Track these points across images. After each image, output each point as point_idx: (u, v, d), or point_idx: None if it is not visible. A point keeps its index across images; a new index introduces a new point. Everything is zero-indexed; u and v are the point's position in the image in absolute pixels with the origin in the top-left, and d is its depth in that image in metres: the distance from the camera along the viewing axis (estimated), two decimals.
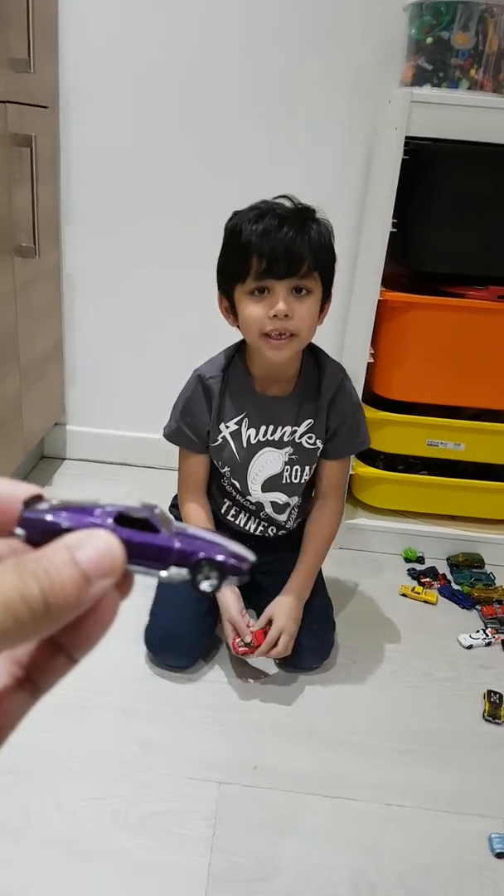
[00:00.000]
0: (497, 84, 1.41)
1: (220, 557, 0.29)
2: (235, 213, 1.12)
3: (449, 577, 1.61)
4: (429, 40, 1.39)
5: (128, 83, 1.65)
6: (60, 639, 0.26)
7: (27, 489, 0.28)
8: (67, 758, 1.07)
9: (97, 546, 0.25)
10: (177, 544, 0.28)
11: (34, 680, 0.27)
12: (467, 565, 1.64)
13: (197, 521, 1.26)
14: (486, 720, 1.21)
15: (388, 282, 1.51)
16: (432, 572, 1.61)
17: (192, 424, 1.24)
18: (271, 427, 1.21)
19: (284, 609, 1.20)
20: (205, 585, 0.28)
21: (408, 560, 1.66)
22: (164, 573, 0.28)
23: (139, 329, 1.87)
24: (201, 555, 0.28)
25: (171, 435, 1.28)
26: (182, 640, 1.24)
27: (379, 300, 1.50)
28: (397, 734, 1.17)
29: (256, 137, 1.67)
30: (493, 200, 1.43)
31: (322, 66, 1.62)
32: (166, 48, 1.62)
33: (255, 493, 1.25)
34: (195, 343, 1.86)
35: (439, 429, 1.62)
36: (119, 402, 1.96)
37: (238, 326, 1.14)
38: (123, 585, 0.27)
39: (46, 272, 1.70)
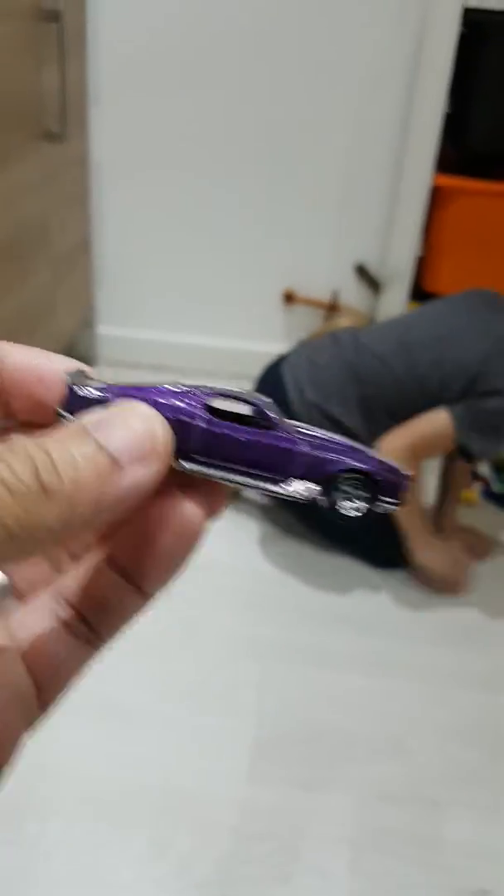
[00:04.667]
0: None
1: (369, 467, 0.20)
2: None
3: (490, 479, 1.61)
4: None
5: None
6: (125, 564, 0.20)
7: (65, 361, 0.22)
8: (117, 643, 1.12)
9: (131, 423, 0.18)
10: (303, 447, 0.20)
11: (91, 623, 0.21)
12: None
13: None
14: None
15: (438, 167, 1.44)
16: (474, 475, 1.60)
17: None
18: None
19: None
20: (348, 507, 0.20)
21: None
22: (284, 488, 0.20)
23: (172, 223, 1.81)
24: (344, 463, 0.20)
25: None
26: None
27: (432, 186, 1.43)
28: (433, 622, 1.21)
29: (296, 7, 1.55)
30: None
31: None
32: None
33: None
34: (230, 238, 1.81)
35: None
36: (152, 302, 1.93)
37: None
38: (213, 501, 0.20)
39: (74, 159, 1.64)
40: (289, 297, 1.83)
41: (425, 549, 1.24)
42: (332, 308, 1.90)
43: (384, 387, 1.18)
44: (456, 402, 1.15)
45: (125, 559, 0.20)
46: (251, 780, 0.94)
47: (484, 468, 1.64)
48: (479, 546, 1.37)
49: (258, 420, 0.20)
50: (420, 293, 1.57)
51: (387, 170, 1.66)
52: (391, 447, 1.17)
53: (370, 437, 1.18)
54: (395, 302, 1.55)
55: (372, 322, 1.90)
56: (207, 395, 0.20)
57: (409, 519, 1.24)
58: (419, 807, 0.92)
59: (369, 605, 1.23)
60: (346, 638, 1.16)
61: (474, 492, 1.54)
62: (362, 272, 1.77)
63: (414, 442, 1.16)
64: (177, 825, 0.88)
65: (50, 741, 0.94)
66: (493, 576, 1.31)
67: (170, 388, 0.20)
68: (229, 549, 1.32)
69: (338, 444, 0.21)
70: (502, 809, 0.92)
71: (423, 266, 1.52)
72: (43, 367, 0.21)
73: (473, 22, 1.30)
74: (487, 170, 1.43)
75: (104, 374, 0.20)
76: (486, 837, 0.89)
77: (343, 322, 1.94)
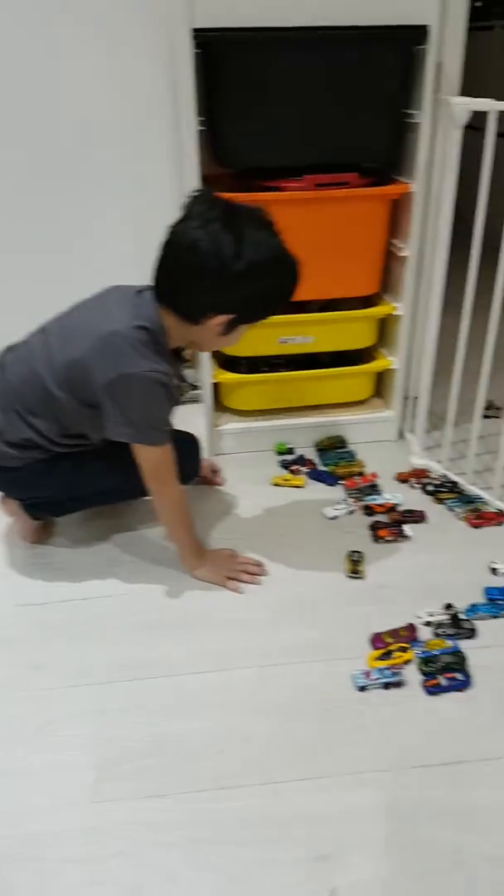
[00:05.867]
0: None
1: None
2: (296, 266, 1.18)
3: (316, 461, 1.69)
4: None
5: None
6: None
7: None
8: None
9: None
10: None
11: None
12: (332, 447, 1.73)
13: (186, 508, 1.30)
14: (349, 577, 1.31)
15: (215, 183, 1.51)
16: (301, 460, 1.69)
17: (165, 420, 1.22)
18: None
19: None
20: None
21: (280, 453, 1.73)
22: None
23: None
24: None
25: (162, 438, 1.21)
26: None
27: None
28: (271, 604, 1.26)
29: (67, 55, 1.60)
30: (293, 86, 1.41)
31: None
32: None
33: None
34: (47, 285, 1.82)
35: (286, 325, 1.66)
36: None
37: (212, 335, 1.18)
38: None
39: None
40: None
41: (195, 568, 1.32)
42: None
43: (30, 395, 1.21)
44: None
45: None
46: (96, 805, 0.95)
47: (310, 451, 1.73)
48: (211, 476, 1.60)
49: None
50: None
51: (169, 194, 1.74)
52: (154, 494, 1.25)
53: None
54: None
55: None
56: None
57: (176, 536, 1.32)
58: (259, 789, 0.96)
59: (196, 601, 1.27)
60: (185, 641, 1.19)
61: (302, 477, 1.62)
62: None
63: (151, 477, 1.23)
64: (22, 871, 0.88)
65: None
66: (321, 556, 1.38)
67: None
68: (40, 584, 1.33)
69: None
70: (334, 774, 0.98)
71: None
72: None
73: (207, 42, 1.37)
74: (252, 182, 1.50)
75: None
76: (321, 805, 0.94)
77: None
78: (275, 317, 1.61)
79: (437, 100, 1.43)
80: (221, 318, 1.14)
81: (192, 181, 1.47)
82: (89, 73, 1.63)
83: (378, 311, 1.67)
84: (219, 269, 1.07)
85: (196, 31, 1.36)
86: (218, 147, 1.50)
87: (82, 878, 0.87)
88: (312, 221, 1.54)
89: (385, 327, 1.74)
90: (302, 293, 1.64)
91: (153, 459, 1.22)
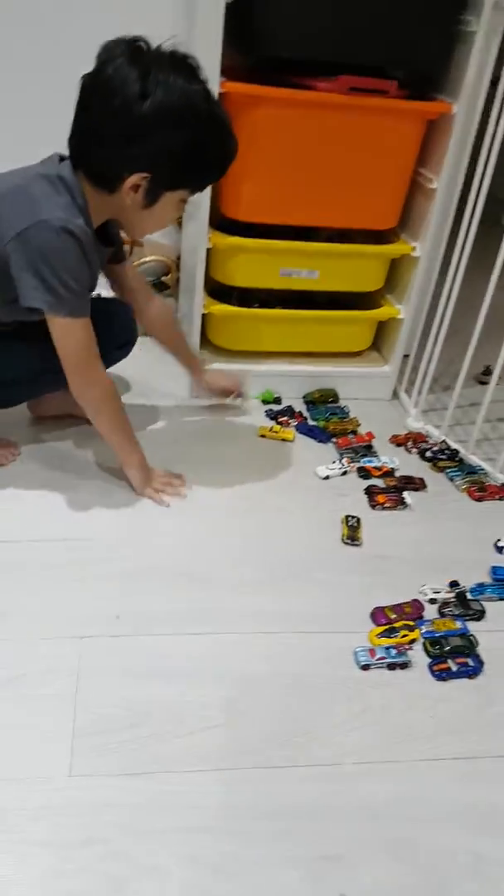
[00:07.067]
0: None
1: None
2: (224, 122, 1.03)
3: (305, 414, 1.57)
4: None
5: None
6: None
7: None
8: None
9: None
10: None
11: None
12: (323, 401, 1.61)
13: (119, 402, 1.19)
14: (346, 543, 1.22)
15: (225, 74, 1.29)
16: (289, 411, 1.56)
17: (84, 284, 1.07)
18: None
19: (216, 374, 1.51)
20: None
21: (266, 402, 1.60)
22: None
23: None
24: None
25: (81, 307, 1.06)
26: None
27: (219, 93, 1.26)
28: (262, 565, 1.16)
29: None
30: None
31: None
32: None
33: None
34: None
35: (292, 255, 1.50)
36: None
37: (133, 205, 1.05)
38: None
39: None
40: None
41: (128, 468, 1.25)
42: (135, 244, 1.75)
43: None
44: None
45: None
46: (71, 780, 0.83)
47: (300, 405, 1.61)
48: (229, 386, 1.51)
49: None
50: (223, 221, 1.46)
51: None
52: (78, 386, 1.12)
53: None
54: (198, 233, 1.43)
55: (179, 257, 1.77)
56: None
57: (112, 437, 1.21)
58: (254, 773, 0.87)
59: (184, 551, 1.16)
60: (169, 598, 1.07)
61: (291, 430, 1.50)
62: None
63: (71, 363, 1.09)
64: None
65: None
66: (314, 517, 1.28)
67: None
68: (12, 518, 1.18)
69: None
70: (339, 763, 0.89)
71: (218, 188, 1.38)
72: None
73: None
74: (272, 78, 1.30)
75: None
76: (324, 796, 0.85)
77: (149, 256, 1.80)
78: (278, 243, 1.47)
79: (499, 6, 1.22)
80: (135, 178, 1.00)
81: (209, 67, 1.24)
82: None
83: (395, 248, 1.52)
84: (123, 111, 0.94)
85: None
86: (244, 29, 1.26)
87: (55, 865, 0.75)
88: (338, 132, 1.35)
89: (394, 271, 1.60)
90: (312, 218, 1.50)
91: (73, 337, 1.07)
